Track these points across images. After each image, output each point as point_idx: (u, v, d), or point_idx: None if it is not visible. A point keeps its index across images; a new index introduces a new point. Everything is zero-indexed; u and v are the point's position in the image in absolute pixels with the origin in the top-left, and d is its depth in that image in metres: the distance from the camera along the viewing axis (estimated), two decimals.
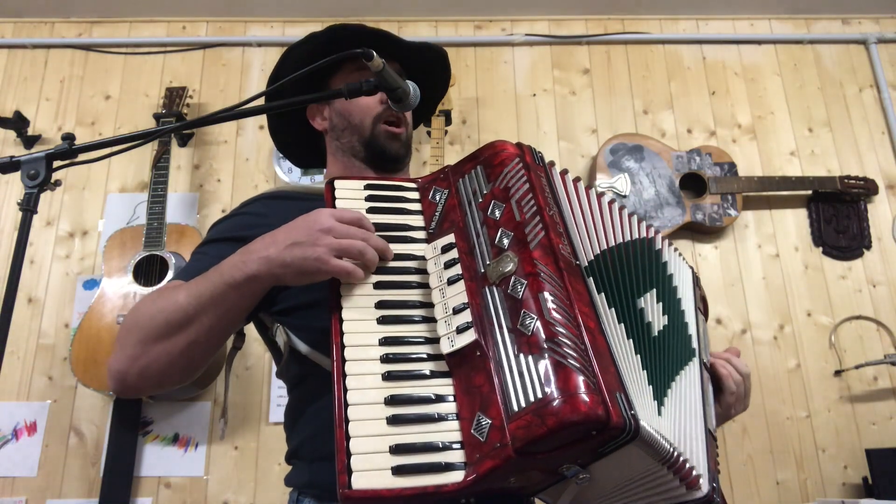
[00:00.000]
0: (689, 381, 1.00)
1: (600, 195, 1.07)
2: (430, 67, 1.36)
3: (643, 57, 2.99)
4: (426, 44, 1.34)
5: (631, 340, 0.91)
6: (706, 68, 2.99)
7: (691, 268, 1.21)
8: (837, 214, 2.74)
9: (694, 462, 0.88)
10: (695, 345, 1.06)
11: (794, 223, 2.76)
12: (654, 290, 1.02)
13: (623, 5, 3.01)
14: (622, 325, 0.91)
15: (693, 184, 2.71)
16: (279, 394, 2.45)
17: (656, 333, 0.97)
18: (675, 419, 0.91)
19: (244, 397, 2.46)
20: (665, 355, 0.97)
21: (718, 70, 2.98)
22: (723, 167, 2.70)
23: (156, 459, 2.38)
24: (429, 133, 2.61)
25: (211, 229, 1.18)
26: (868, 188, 2.74)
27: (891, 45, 3.03)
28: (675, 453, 0.84)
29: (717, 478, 0.94)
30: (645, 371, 0.90)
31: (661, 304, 1.02)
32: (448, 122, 2.65)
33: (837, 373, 2.55)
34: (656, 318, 0.99)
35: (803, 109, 2.92)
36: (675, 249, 1.17)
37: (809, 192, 2.76)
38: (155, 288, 2.32)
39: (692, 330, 1.08)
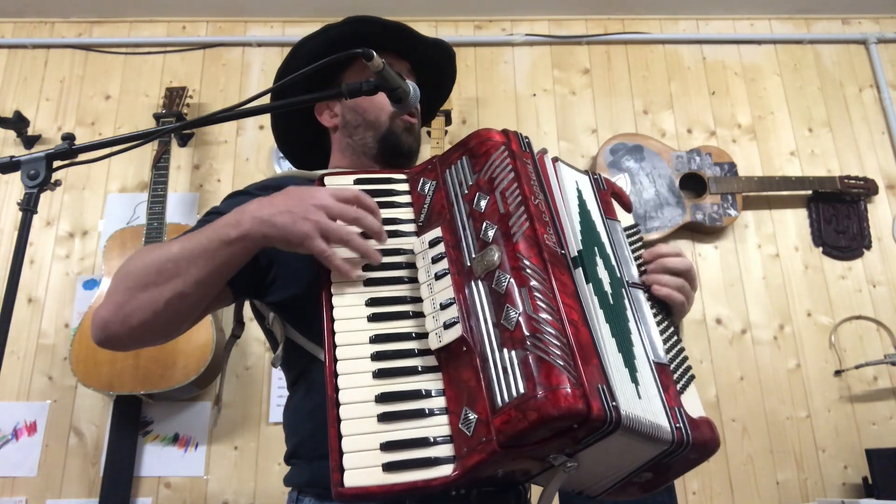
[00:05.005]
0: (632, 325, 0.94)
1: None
2: (438, 66, 1.35)
3: (643, 57, 2.99)
4: (438, 41, 1.33)
5: (608, 325, 0.90)
6: (706, 68, 2.99)
7: (586, 173, 1.09)
8: (837, 214, 2.74)
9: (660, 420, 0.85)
10: (618, 273, 0.98)
11: (794, 223, 2.76)
12: (603, 260, 0.97)
13: (623, 5, 3.00)
14: (602, 311, 0.90)
15: (693, 184, 2.71)
16: (279, 394, 2.45)
17: (613, 302, 0.93)
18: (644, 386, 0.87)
19: (244, 397, 2.45)
20: (625, 323, 0.93)
21: (718, 70, 2.98)
22: (723, 167, 2.70)
23: (156, 459, 2.38)
24: (429, 133, 2.61)
25: (225, 200, 1.18)
26: (868, 188, 2.74)
27: (891, 45, 3.03)
28: (654, 431, 0.83)
29: (679, 411, 0.88)
30: (620, 354, 0.88)
31: (607, 272, 0.97)
32: (448, 122, 2.65)
33: (837, 373, 2.55)
34: (609, 287, 0.95)
35: (803, 109, 2.92)
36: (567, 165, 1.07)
37: (809, 192, 2.76)
38: None
39: (611, 261, 0.99)
